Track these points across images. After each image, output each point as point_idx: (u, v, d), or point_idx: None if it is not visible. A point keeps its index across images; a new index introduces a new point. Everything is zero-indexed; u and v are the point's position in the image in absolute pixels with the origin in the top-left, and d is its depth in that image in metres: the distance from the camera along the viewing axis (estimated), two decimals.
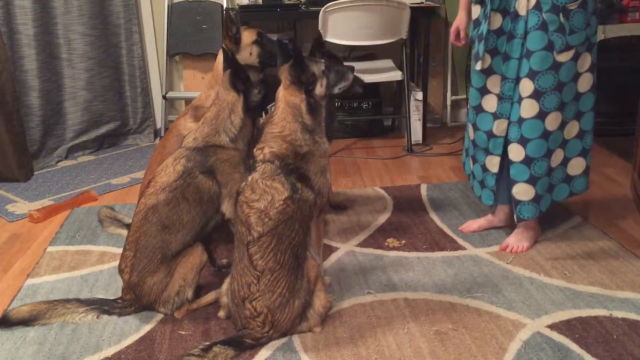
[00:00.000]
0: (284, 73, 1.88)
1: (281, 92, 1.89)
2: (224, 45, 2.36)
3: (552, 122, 2.18)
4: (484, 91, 2.30)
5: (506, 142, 2.28)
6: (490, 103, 2.30)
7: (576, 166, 2.32)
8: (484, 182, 2.42)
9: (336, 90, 1.95)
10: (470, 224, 2.61)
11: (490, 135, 2.32)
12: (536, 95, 2.15)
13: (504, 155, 2.31)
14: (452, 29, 2.41)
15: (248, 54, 2.38)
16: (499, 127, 2.29)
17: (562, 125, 2.22)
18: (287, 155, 1.84)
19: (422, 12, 3.74)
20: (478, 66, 2.26)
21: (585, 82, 2.21)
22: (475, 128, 2.37)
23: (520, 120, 2.19)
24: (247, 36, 2.39)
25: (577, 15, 2.08)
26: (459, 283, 2.17)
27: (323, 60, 1.91)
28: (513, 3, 2.12)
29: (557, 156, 2.26)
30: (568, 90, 2.17)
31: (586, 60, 2.18)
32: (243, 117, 2.04)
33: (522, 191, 2.26)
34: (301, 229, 1.83)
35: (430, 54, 3.94)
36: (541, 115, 2.17)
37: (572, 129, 2.26)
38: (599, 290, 2.10)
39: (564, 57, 2.12)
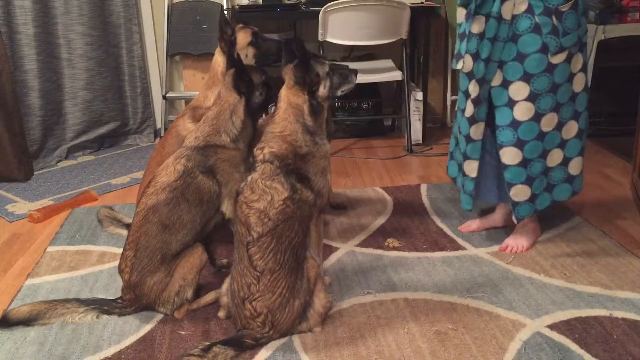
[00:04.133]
0: (287, 73, 1.88)
1: (284, 92, 1.89)
2: (219, 47, 2.36)
3: (547, 123, 2.19)
4: (467, 94, 2.29)
5: (483, 146, 2.30)
6: (468, 107, 2.28)
7: (576, 165, 2.32)
8: (464, 187, 2.41)
9: (339, 93, 1.96)
10: (470, 224, 2.61)
11: (468, 139, 2.32)
12: (532, 97, 2.14)
13: (481, 159, 2.31)
14: None
15: (244, 56, 2.37)
16: (476, 131, 2.28)
17: (559, 126, 2.22)
18: (286, 155, 1.84)
19: (422, 12, 3.74)
20: (459, 65, 2.27)
21: (579, 82, 2.22)
22: (459, 131, 2.38)
23: (515, 123, 2.18)
24: (242, 38, 2.38)
25: (570, 17, 2.08)
26: (459, 283, 2.17)
27: (327, 62, 1.92)
28: (497, 7, 2.10)
29: (555, 156, 2.26)
30: (564, 91, 2.17)
31: (578, 61, 2.18)
32: (244, 118, 2.04)
33: (519, 192, 2.27)
34: (301, 229, 1.83)
35: (430, 54, 3.94)
36: (536, 117, 2.17)
37: (571, 129, 2.25)
38: (599, 290, 2.10)
39: (557, 59, 2.12)
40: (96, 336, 1.92)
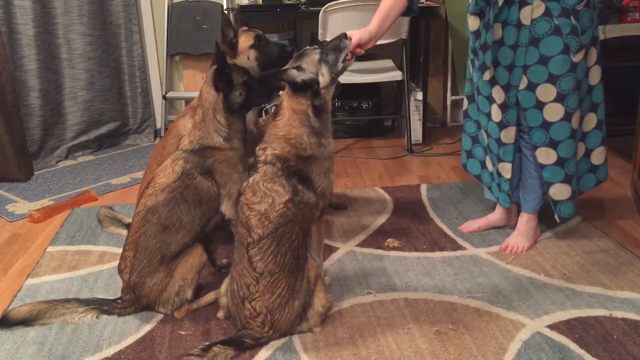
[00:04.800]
0: (285, 86, 1.87)
1: (285, 101, 1.86)
2: (222, 49, 2.35)
3: (575, 120, 2.23)
4: (491, 100, 2.32)
5: (516, 148, 2.34)
6: (495, 112, 2.32)
7: (599, 155, 2.37)
8: (500, 186, 2.45)
9: (340, 67, 1.89)
10: (470, 224, 2.61)
11: (500, 143, 2.35)
12: (560, 98, 2.16)
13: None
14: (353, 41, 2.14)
15: (246, 58, 2.34)
16: (507, 135, 2.32)
17: (581, 120, 2.27)
18: (289, 157, 1.83)
19: (422, 12, 3.74)
20: (486, 76, 2.28)
21: (595, 75, 2.25)
22: (488, 135, 2.41)
23: (546, 125, 2.20)
24: (244, 40, 2.35)
25: (585, 14, 2.11)
26: (459, 283, 2.17)
27: (316, 47, 1.86)
28: (515, 15, 2.13)
29: (579, 149, 2.32)
30: (583, 86, 2.22)
31: (593, 54, 2.21)
32: (227, 115, 2.01)
33: (560, 191, 2.30)
34: (302, 231, 1.83)
35: (430, 54, 3.94)
36: (567, 117, 2.19)
37: (590, 121, 2.31)
38: (599, 290, 2.10)
39: (578, 57, 2.14)
40: (96, 336, 1.92)
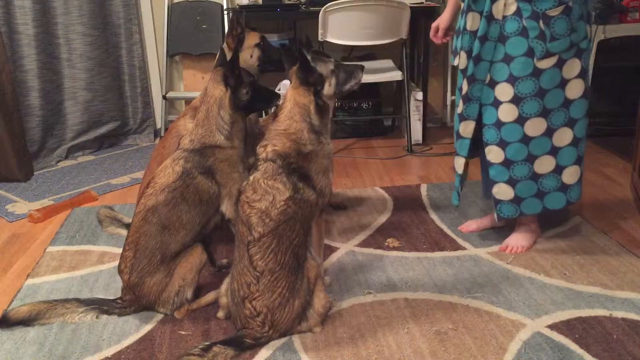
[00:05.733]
0: (292, 75, 1.89)
1: (290, 92, 1.90)
2: (225, 44, 2.37)
3: (533, 127, 2.17)
4: (460, 90, 2.32)
5: (474, 144, 2.32)
6: (460, 103, 2.31)
7: (572, 174, 2.27)
8: (455, 183, 2.43)
9: (346, 89, 1.94)
10: (470, 224, 2.61)
11: (458, 135, 2.35)
12: (515, 100, 2.14)
13: (484, 156, 2.32)
14: (433, 25, 2.46)
15: (249, 55, 2.39)
16: (465, 128, 2.30)
17: (549, 132, 2.19)
18: (289, 154, 1.84)
19: (422, 12, 3.74)
20: (455, 62, 2.29)
21: (575, 89, 2.16)
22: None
23: (499, 124, 2.19)
24: (251, 38, 2.41)
25: (559, 22, 2.05)
26: (459, 283, 2.17)
27: (332, 60, 1.91)
28: (487, 6, 2.11)
29: (545, 163, 2.23)
30: (552, 96, 2.14)
31: (574, 67, 2.13)
32: (232, 112, 2.02)
33: (502, 191, 2.28)
34: (302, 229, 1.83)
35: (430, 54, 3.94)
36: (520, 120, 2.16)
37: (564, 136, 2.21)
38: (599, 290, 2.10)
39: (545, 64, 2.10)
40: (96, 336, 1.92)
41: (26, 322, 1.96)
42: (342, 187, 3.18)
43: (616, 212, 2.74)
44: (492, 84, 2.17)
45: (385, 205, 2.91)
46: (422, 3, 3.76)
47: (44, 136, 3.69)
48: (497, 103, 2.18)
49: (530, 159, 2.22)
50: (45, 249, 2.55)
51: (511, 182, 2.25)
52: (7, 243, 2.65)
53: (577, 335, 1.85)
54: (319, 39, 3.49)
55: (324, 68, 1.88)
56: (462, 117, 2.29)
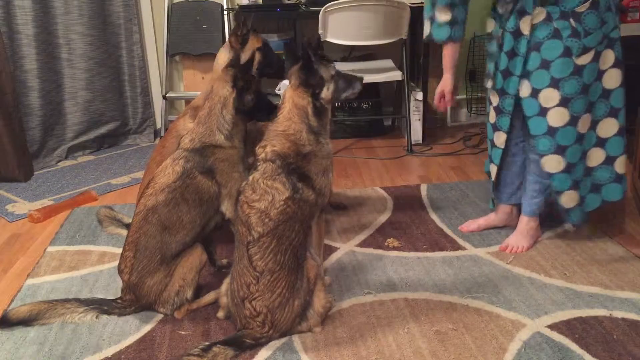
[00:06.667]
0: (293, 74, 1.90)
1: (289, 93, 1.90)
2: (228, 42, 2.37)
3: (583, 124, 2.20)
4: (489, 101, 2.39)
5: (503, 153, 2.37)
6: (491, 113, 2.37)
7: (622, 164, 2.30)
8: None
9: (343, 96, 1.97)
10: (470, 224, 2.61)
11: (492, 144, 2.41)
12: (563, 102, 2.15)
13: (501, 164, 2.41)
14: (437, 91, 2.43)
15: (248, 58, 2.39)
16: (498, 138, 2.36)
17: (593, 125, 2.24)
18: (288, 154, 1.84)
19: (422, 12, 3.72)
20: (488, 84, 2.33)
21: (612, 78, 2.20)
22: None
23: (552, 131, 2.19)
24: (253, 41, 2.41)
25: (589, 17, 2.08)
26: (459, 283, 2.17)
27: (334, 65, 1.93)
28: (512, 23, 2.14)
29: (595, 155, 2.26)
30: (594, 90, 2.18)
31: (608, 57, 2.17)
32: (234, 114, 2.03)
33: (570, 198, 2.28)
34: (302, 229, 1.83)
35: (430, 54, 3.94)
36: (572, 122, 2.17)
37: (609, 127, 2.24)
38: (599, 290, 2.10)
39: (584, 60, 2.12)
40: (96, 336, 1.92)
41: (26, 322, 1.96)
42: (342, 187, 3.19)
43: (616, 212, 2.74)
44: (535, 93, 2.17)
45: (385, 205, 2.91)
46: (422, 3, 3.75)
47: (44, 136, 3.69)
48: (543, 111, 2.18)
49: (584, 155, 2.25)
50: (45, 249, 2.55)
51: (575, 186, 2.27)
52: (7, 243, 2.65)
53: (577, 335, 1.85)
54: (320, 39, 3.49)
55: (326, 72, 1.89)
56: (495, 128, 2.34)
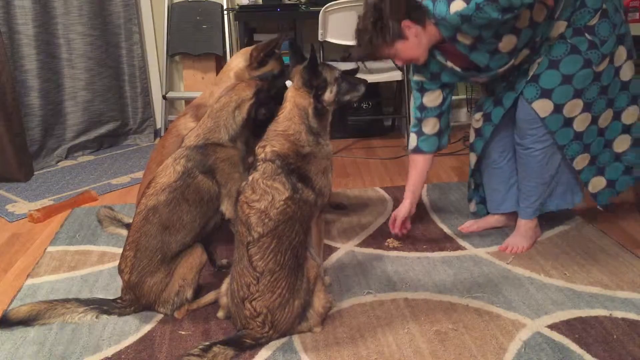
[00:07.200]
0: (296, 74, 1.90)
1: (290, 93, 1.90)
2: (250, 53, 2.36)
3: (604, 119, 2.27)
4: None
5: (492, 162, 2.50)
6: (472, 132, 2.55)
7: None
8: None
9: (346, 99, 1.97)
10: (470, 224, 2.61)
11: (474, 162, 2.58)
12: (586, 107, 2.19)
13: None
14: (393, 213, 2.46)
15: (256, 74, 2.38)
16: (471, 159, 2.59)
17: (617, 115, 2.29)
18: (288, 154, 1.84)
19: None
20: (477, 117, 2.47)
21: (627, 71, 2.24)
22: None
23: (578, 135, 2.24)
24: (274, 66, 2.39)
25: (602, 26, 2.11)
26: (459, 283, 2.17)
27: (339, 70, 1.93)
28: (495, 70, 2.19)
29: (622, 142, 2.33)
30: (613, 87, 2.22)
31: (621, 53, 2.20)
32: (246, 118, 2.04)
33: (595, 184, 2.39)
34: (301, 229, 1.83)
35: None
36: (594, 121, 2.24)
37: (634, 114, 2.31)
38: (599, 290, 2.10)
39: (602, 66, 2.16)
40: (96, 336, 1.92)
41: (26, 322, 1.96)
42: (342, 187, 3.18)
43: (616, 212, 2.74)
44: (558, 109, 2.18)
45: (385, 206, 2.91)
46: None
47: (44, 136, 3.70)
48: (569, 121, 2.21)
49: (608, 144, 2.32)
50: (45, 249, 2.55)
51: (600, 172, 2.35)
52: (7, 243, 2.65)
53: (577, 335, 1.85)
54: (319, 39, 3.49)
55: (330, 74, 1.90)
56: (478, 134, 2.48)
